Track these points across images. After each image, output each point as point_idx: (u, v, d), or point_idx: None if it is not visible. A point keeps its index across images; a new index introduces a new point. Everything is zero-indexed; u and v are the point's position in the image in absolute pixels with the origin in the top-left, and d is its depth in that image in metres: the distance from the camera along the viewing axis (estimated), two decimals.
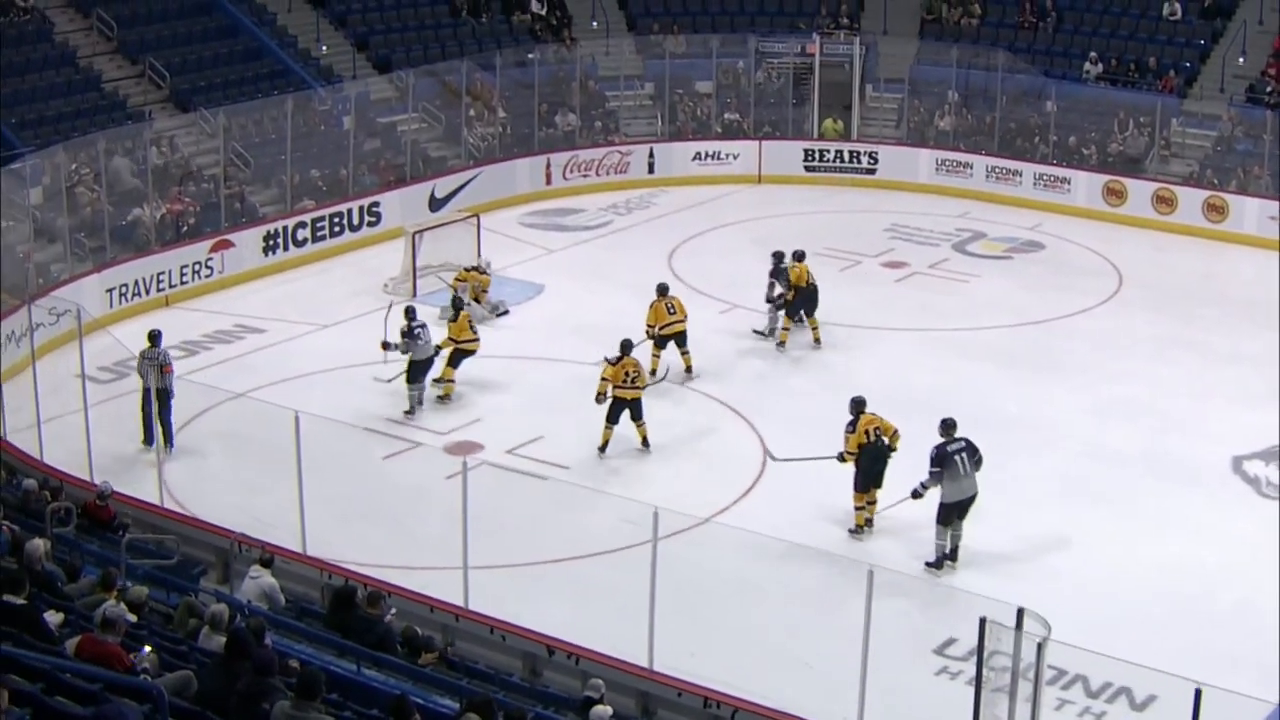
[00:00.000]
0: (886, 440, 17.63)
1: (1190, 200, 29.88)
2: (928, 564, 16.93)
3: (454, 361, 21.45)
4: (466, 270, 25.09)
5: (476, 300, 24.65)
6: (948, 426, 17.06)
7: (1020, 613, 11.05)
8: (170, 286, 25.47)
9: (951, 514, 16.89)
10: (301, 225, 27.74)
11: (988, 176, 31.98)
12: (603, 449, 19.64)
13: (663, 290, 22.35)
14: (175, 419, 19.58)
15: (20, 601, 10.84)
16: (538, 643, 14.56)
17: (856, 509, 17.68)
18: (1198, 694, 10.60)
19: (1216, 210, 29.56)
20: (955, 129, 33.25)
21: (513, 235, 28.64)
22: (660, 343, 21.94)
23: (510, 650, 14.71)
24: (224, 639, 10.98)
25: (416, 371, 21.05)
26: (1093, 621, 14.96)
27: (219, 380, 21.52)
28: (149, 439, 19.39)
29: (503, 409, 21.11)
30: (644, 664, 14.08)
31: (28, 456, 18.21)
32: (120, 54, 30.43)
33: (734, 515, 18.00)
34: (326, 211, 28.25)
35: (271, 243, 27.22)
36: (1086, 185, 31.01)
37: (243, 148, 28.72)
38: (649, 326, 21.89)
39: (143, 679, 9.92)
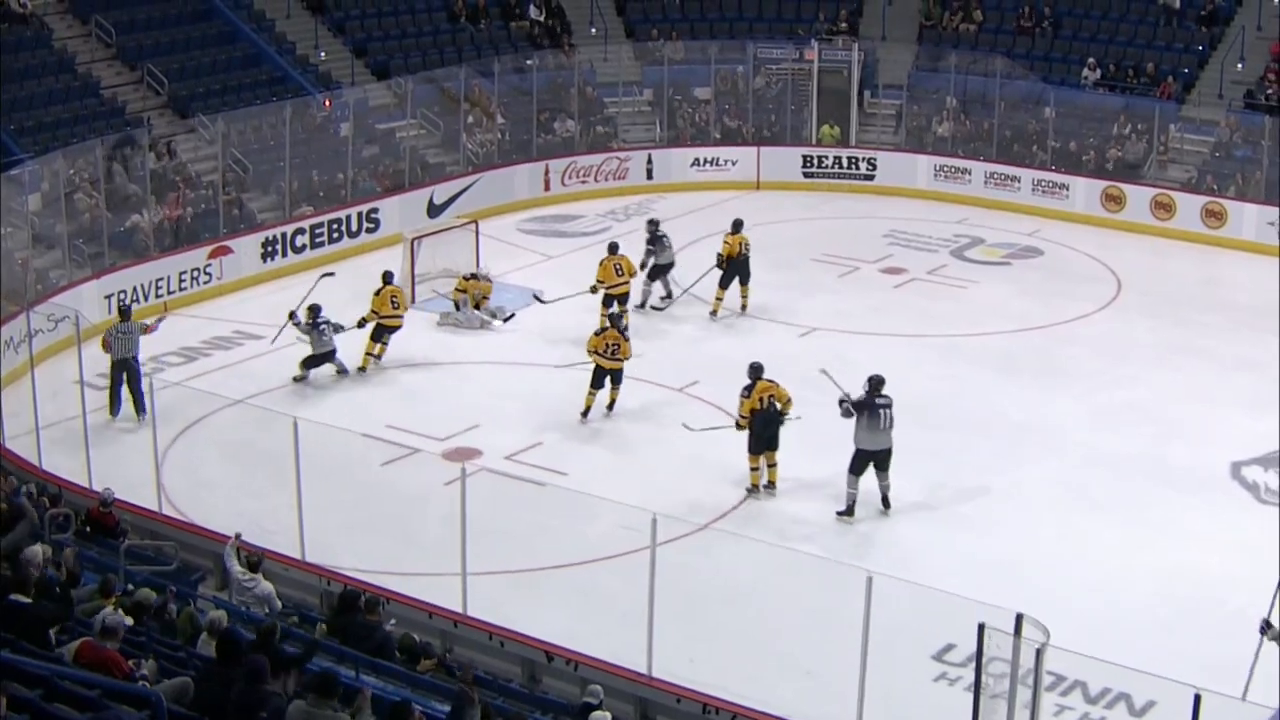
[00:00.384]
0: (780, 406, 18.51)
1: (1189, 206, 29.90)
2: (839, 512, 18.10)
3: (377, 336, 22.56)
4: (465, 279, 25.09)
5: (478, 307, 24.67)
6: (875, 384, 18.02)
7: (1019, 618, 11.04)
8: (169, 293, 25.46)
9: (865, 463, 17.97)
10: (300, 232, 27.76)
11: (986, 182, 31.99)
12: (585, 414, 20.83)
13: (613, 249, 24.08)
14: (175, 421, 19.61)
15: (27, 600, 10.89)
16: (536, 649, 14.56)
17: (751, 470, 18.66)
18: (1197, 699, 10.60)
19: (1215, 216, 29.57)
20: (954, 135, 33.26)
21: (511, 241, 28.65)
22: (606, 301, 23.40)
23: (509, 656, 14.71)
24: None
25: (312, 362, 22.06)
26: (1091, 627, 14.96)
27: (217, 386, 21.53)
28: (115, 410, 20.47)
29: (501, 415, 21.11)
30: (643, 670, 14.08)
31: (26, 463, 18.21)
32: (119, 60, 30.43)
33: (732, 521, 18.01)
34: (325, 218, 28.25)
35: (270, 249, 27.23)
36: (1085, 191, 31.03)
37: (241, 154, 28.74)
38: (598, 282, 23.56)
39: (141, 685, 9.93)
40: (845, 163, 33.26)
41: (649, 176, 32.86)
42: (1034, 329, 24.81)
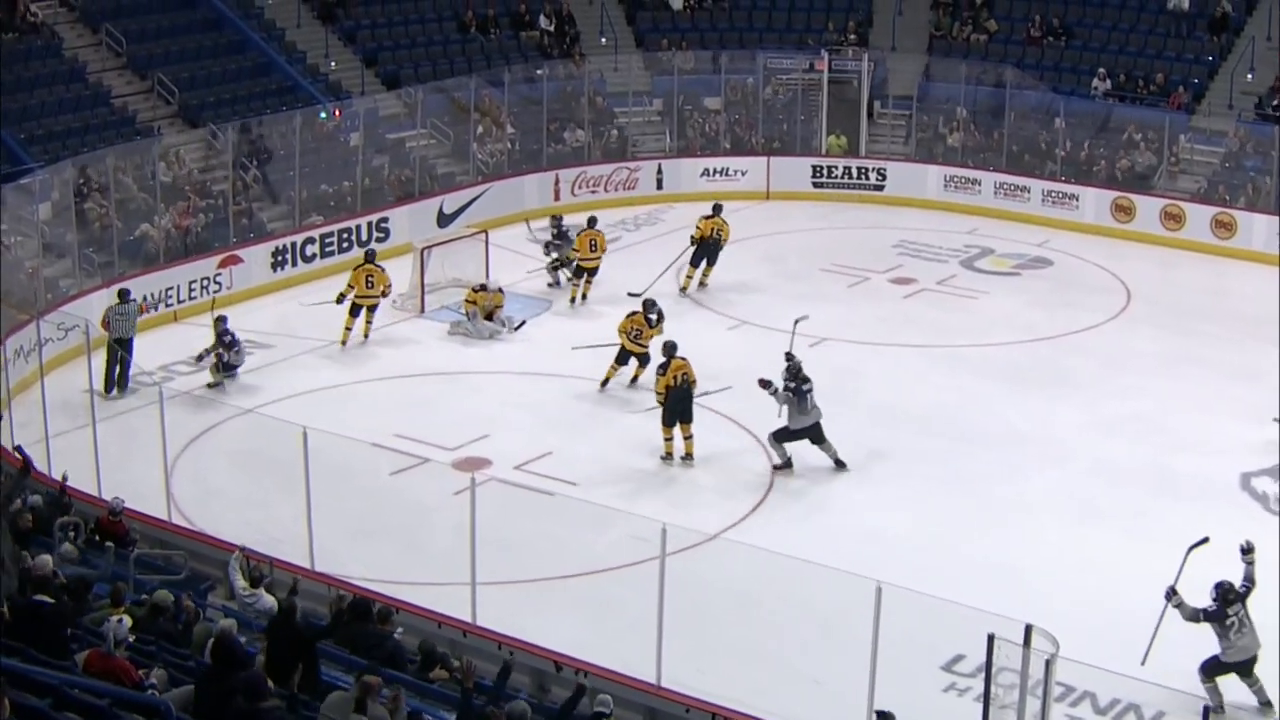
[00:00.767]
0: (691, 382, 19.71)
1: (1198, 216, 29.87)
2: (775, 466, 19.41)
3: (354, 312, 23.81)
4: (474, 291, 25.08)
5: (489, 318, 24.67)
6: (795, 371, 19.15)
7: (1028, 629, 11.05)
8: (179, 302, 25.49)
9: (800, 439, 19.20)
10: (310, 241, 27.79)
11: (996, 193, 31.98)
12: (604, 384, 22.08)
13: (592, 222, 26.13)
14: (185, 430, 19.69)
15: (50, 600, 10.93)
16: (545, 659, 14.56)
17: (665, 440, 19.79)
18: (1206, 710, 10.61)
19: (1225, 227, 29.55)
20: (964, 145, 33.27)
21: (521, 251, 28.66)
22: (578, 272, 25.81)
23: (518, 666, 14.67)
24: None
25: (229, 369, 22.64)
26: (1101, 638, 14.92)
27: (226, 395, 21.57)
28: (109, 388, 21.50)
29: (511, 425, 21.12)
30: (652, 680, 14.07)
31: (36, 472, 18.20)
32: (129, 69, 30.50)
33: (742, 531, 18.01)
34: (335, 227, 28.30)
35: (280, 258, 27.26)
36: (1095, 201, 31.01)
37: (250, 162, 28.79)
38: (573, 251, 25.78)
39: (151, 695, 9.94)
40: (855, 173, 33.27)
41: (659, 186, 32.87)
42: (1043, 339, 24.79)
